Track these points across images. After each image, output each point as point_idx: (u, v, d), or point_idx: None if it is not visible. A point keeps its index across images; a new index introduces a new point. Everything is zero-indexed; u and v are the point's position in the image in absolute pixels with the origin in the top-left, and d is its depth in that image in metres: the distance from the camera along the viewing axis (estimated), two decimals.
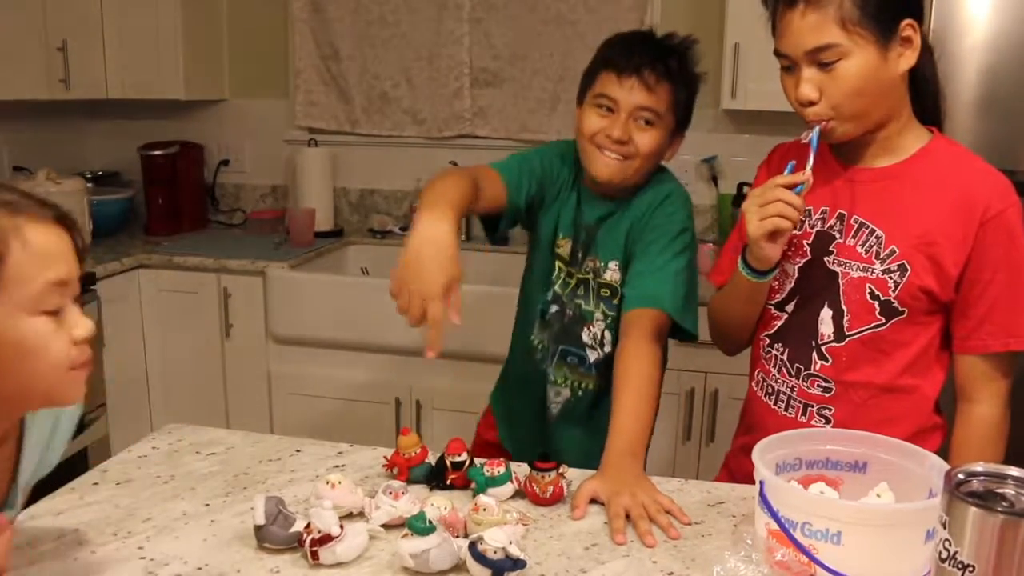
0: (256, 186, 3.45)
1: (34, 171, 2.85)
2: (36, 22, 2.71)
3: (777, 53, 1.26)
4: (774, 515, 1.00)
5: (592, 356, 1.62)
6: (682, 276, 1.50)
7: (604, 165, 1.49)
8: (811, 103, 1.23)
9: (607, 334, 1.60)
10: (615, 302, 1.58)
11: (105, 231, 3.05)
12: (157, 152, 3.18)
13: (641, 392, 1.36)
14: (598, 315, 1.60)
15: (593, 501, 1.22)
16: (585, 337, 1.62)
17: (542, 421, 1.68)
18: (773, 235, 1.25)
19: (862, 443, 1.14)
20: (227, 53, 3.34)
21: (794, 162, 1.27)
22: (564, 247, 1.62)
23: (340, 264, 3.11)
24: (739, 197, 2.77)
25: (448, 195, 1.32)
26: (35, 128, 3.18)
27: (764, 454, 1.07)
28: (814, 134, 1.25)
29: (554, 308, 1.64)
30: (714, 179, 3.01)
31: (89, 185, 3.09)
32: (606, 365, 1.59)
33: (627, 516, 1.17)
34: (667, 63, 1.47)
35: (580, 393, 1.65)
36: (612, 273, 1.58)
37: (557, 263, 1.63)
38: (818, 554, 0.97)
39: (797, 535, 0.98)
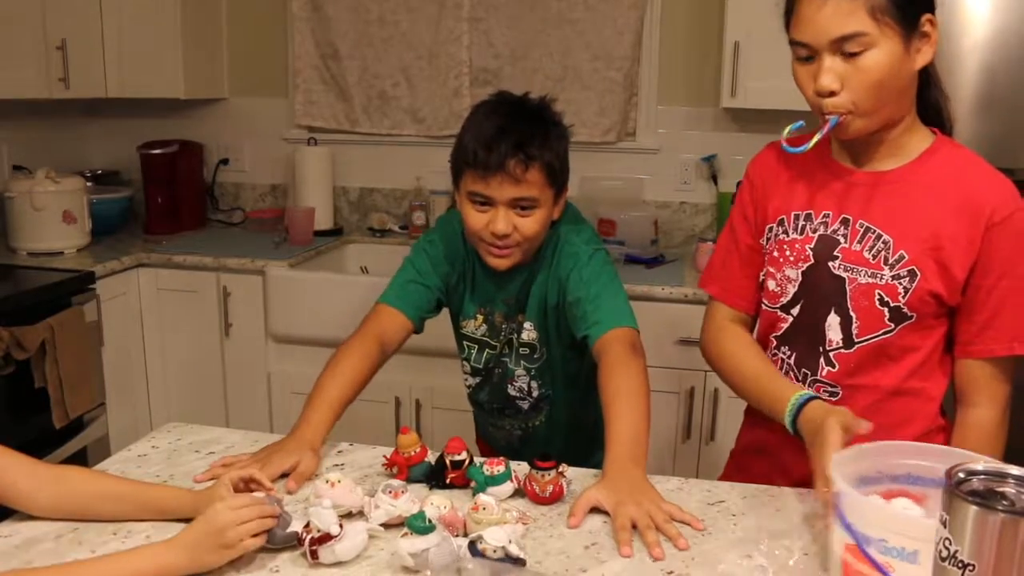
0: (256, 185, 3.45)
1: (34, 170, 2.85)
2: (35, 22, 2.71)
3: (794, 42, 1.22)
4: (849, 529, 0.96)
5: (525, 404, 1.68)
6: (618, 293, 1.51)
7: (497, 259, 1.51)
8: (832, 93, 1.19)
9: (532, 383, 1.65)
10: (535, 356, 1.62)
11: (104, 230, 3.05)
12: (157, 151, 3.18)
13: (632, 398, 1.32)
14: (519, 371, 1.64)
15: (595, 510, 1.19)
16: (511, 391, 1.67)
17: (516, 443, 1.75)
18: None
19: (947, 458, 1.01)
20: (227, 52, 3.34)
21: (802, 123, 1.27)
22: (470, 326, 1.65)
23: (339, 263, 3.11)
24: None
25: (314, 426, 1.37)
26: (35, 127, 3.18)
27: (843, 467, 1.01)
28: (832, 121, 1.21)
29: (476, 380, 1.70)
30: (714, 178, 3.01)
31: (89, 184, 3.09)
32: (544, 403, 1.67)
33: (633, 526, 1.14)
34: (528, 149, 1.42)
35: (532, 429, 1.71)
36: (529, 333, 1.60)
37: (465, 343, 1.67)
38: (894, 572, 0.93)
39: (872, 552, 0.94)
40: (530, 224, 1.47)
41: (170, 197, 3.21)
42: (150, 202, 3.21)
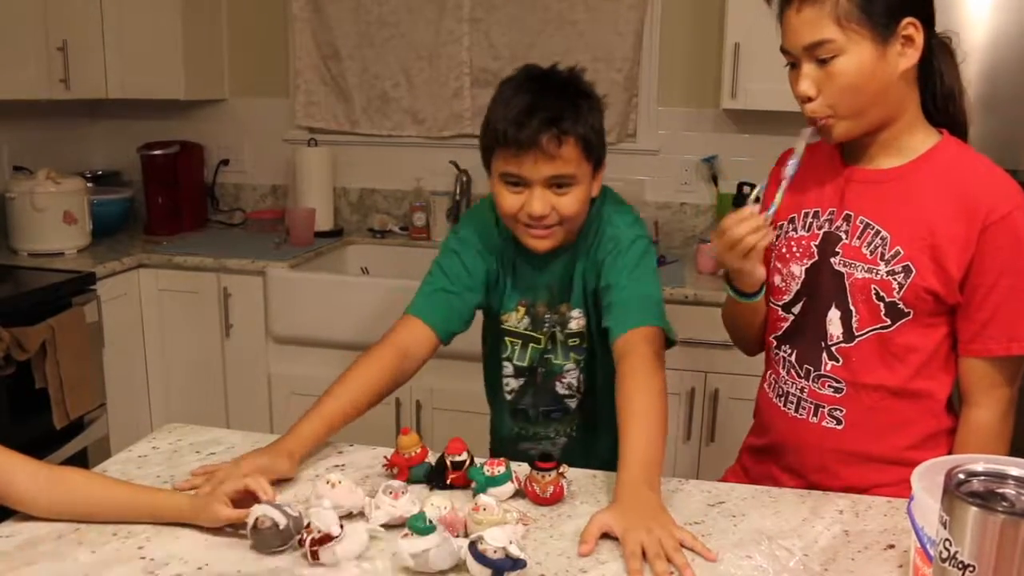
0: (256, 186, 3.45)
1: (34, 171, 2.85)
2: (36, 22, 2.71)
3: (782, 50, 1.28)
4: (918, 533, 0.96)
5: (573, 403, 1.59)
6: (653, 287, 1.44)
7: (536, 241, 1.43)
8: (808, 99, 1.24)
9: (581, 377, 1.57)
10: (584, 346, 1.53)
11: (105, 231, 3.05)
12: (157, 152, 3.18)
13: (648, 417, 1.26)
14: (569, 365, 1.56)
15: (605, 536, 1.14)
16: (560, 389, 1.58)
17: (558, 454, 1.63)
18: (749, 256, 1.27)
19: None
20: (227, 53, 3.34)
21: (763, 185, 1.30)
22: (511, 320, 1.56)
23: (340, 264, 3.11)
24: (739, 197, 2.78)
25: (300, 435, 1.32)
26: (35, 128, 3.18)
27: (924, 477, 0.97)
28: (795, 159, 1.27)
29: (519, 383, 1.59)
30: (714, 178, 3.01)
31: (89, 185, 3.09)
32: (590, 401, 1.58)
33: (643, 553, 1.09)
34: (561, 124, 1.34)
35: (576, 434, 1.62)
36: (577, 321, 1.52)
37: (507, 339, 1.57)
38: None
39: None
40: (568, 203, 1.39)
41: (171, 198, 3.21)
42: (151, 203, 3.21)
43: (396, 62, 3.17)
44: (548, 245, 1.44)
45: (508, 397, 1.61)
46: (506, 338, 1.57)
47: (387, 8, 3.13)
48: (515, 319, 1.55)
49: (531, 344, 1.56)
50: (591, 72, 3.01)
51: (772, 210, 1.28)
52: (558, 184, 1.38)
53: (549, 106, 1.35)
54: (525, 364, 1.57)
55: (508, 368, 1.59)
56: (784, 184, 1.29)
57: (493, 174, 1.42)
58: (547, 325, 1.54)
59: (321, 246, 3.04)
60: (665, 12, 2.99)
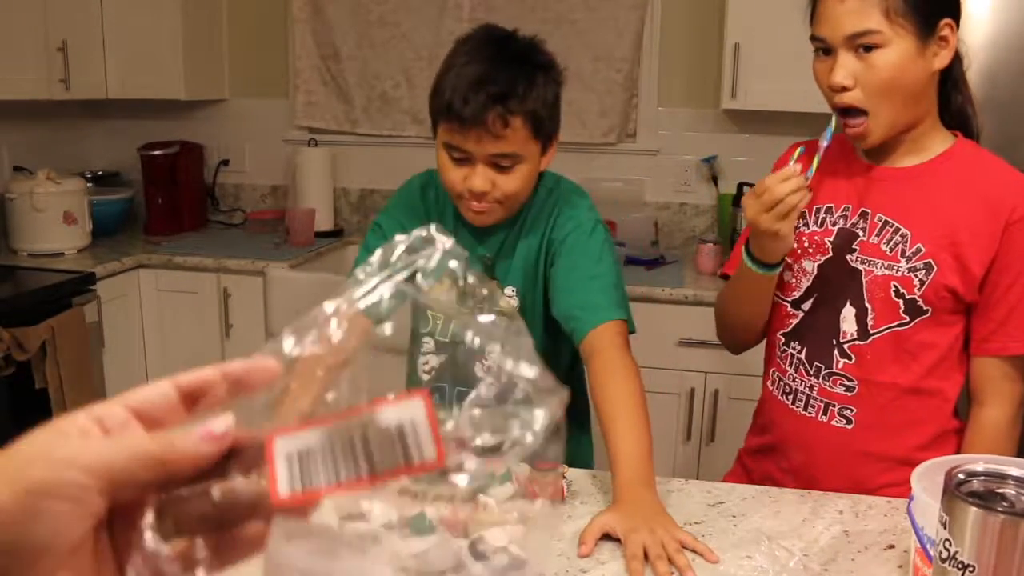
0: (256, 186, 3.45)
1: (34, 171, 2.85)
2: (36, 22, 2.71)
3: (813, 38, 1.26)
4: (918, 533, 0.96)
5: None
6: (616, 277, 1.40)
7: (475, 216, 1.38)
8: (844, 89, 1.23)
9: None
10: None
11: (105, 231, 3.05)
12: (157, 152, 3.18)
13: (632, 412, 1.24)
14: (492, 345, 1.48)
15: (605, 536, 1.13)
16: (479, 372, 1.49)
17: None
18: (788, 217, 1.24)
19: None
20: (227, 53, 3.34)
21: (803, 148, 1.27)
22: (435, 290, 1.46)
23: (340, 264, 3.11)
24: (739, 197, 2.78)
25: None
26: (35, 128, 3.18)
27: (924, 477, 0.97)
28: (828, 132, 1.25)
29: (440, 360, 1.49)
30: (714, 179, 3.01)
31: (89, 185, 3.09)
32: None
33: (645, 555, 1.08)
34: (509, 102, 1.28)
35: None
36: (509, 300, 1.45)
37: (429, 313, 1.47)
38: None
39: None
40: (511, 181, 1.34)
41: (170, 198, 3.21)
42: (150, 203, 3.21)
43: (396, 62, 3.18)
44: (486, 221, 1.40)
45: (425, 377, 1.51)
46: (428, 312, 1.47)
47: (387, 8, 3.14)
48: (439, 290, 1.49)
49: (455, 320, 1.48)
50: (591, 72, 3.05)
51: (812, 172, 1.25)
52: (502, 162, 1.33)
53: (500, 80, 1.29)
54: (447, 339, 1.48)
55: (429, 344, 1.49)
56: (820, 153, 1.26)
57: (438, 140, 1.37)
58: (474, 300, 1.48)
59: (321, 246, 3.04)
60: (665, 12, 2.99)
